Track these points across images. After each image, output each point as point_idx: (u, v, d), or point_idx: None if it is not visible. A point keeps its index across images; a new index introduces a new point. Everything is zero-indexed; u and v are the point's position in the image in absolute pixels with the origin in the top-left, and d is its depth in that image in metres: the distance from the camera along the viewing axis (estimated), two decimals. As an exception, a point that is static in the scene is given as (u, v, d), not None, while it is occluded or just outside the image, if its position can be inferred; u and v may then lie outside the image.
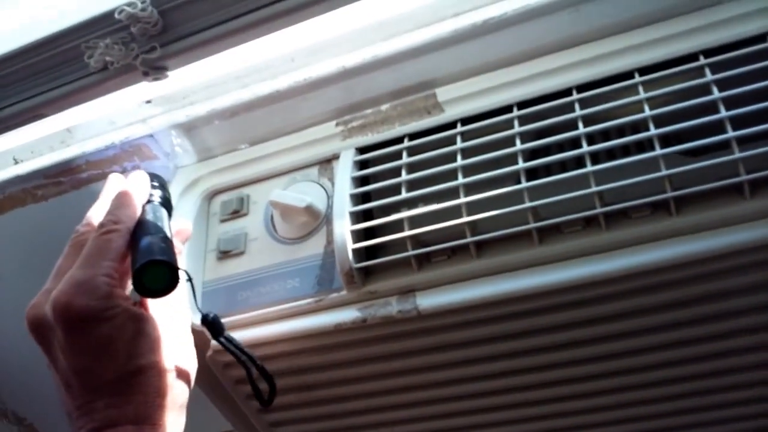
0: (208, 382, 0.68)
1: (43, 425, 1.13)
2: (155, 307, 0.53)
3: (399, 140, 0.65)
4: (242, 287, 0.66)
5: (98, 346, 0.49)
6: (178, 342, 0.54)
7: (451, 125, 0.63)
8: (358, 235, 0.61)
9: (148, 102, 0.71)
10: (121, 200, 0.56)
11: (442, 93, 0.65)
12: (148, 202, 0.58)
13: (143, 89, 0.68)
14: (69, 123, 0.75)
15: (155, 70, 0.56)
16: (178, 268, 0.51)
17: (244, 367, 0.60)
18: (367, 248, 0.61)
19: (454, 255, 0.59)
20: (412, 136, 0.65)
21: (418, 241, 0.59)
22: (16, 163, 0.79)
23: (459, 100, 0.64)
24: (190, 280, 0.55)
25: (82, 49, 0.59)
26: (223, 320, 0.64)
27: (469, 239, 0.57)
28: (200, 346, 0.64)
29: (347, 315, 0.60)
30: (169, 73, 0.58)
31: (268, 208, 0.68)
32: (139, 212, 0.56)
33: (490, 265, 0.57)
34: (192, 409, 0.56)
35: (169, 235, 0.54)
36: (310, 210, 0.64)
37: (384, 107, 0.67)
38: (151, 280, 0.50)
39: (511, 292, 0.55)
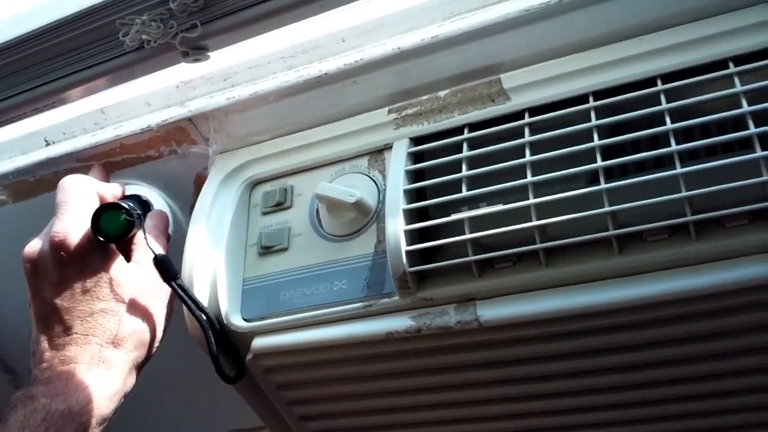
0: (246, 381, 0.64)
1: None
2: (137, 266, 0.61)
3: (458, 131, 0.59)
4: (285, 286, 0.61)
5: (79, 283, 0.58)
6: (147, 305, 0.61)
7: (518, 115, 0.57)
8: (413, 236, 0.55)
9: (187, 83, 0.66)
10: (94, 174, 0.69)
11: (508, 79, 0.59)
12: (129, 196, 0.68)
13: (182, 69, 0.63)
14: (103, 103, 0.71)
15: (195, 50, 0.51)
16: (129, 213, 0.59)
17: (203, 328, 0.59)
18: (422, 250, 0.55)
19: (520, 262, 0.53)
20: (474, 126, 0.58)
21: (479, 244, 0.54)
22: (48, 144, 0.75)
23: (527, 87, 0.58)
24: (139, 218, 0.61)
25: (117, 26, 0.54)
26: (263, 322, 0.60)
27: (539, 245, 0.51)
28: (243, 348, 0.60)
29: (400, 323, 0.55)
30: (210, 53, 0.52)
31: (314, 200, 0.63)
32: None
33: (561, 274, 0.51)
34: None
35: (131, 204, 0.62)
36: (359, 205, 0.59)
37: (442, 93, 0.61)
38: (107, 225, 0.59)
39: (586, 305, 0.49)
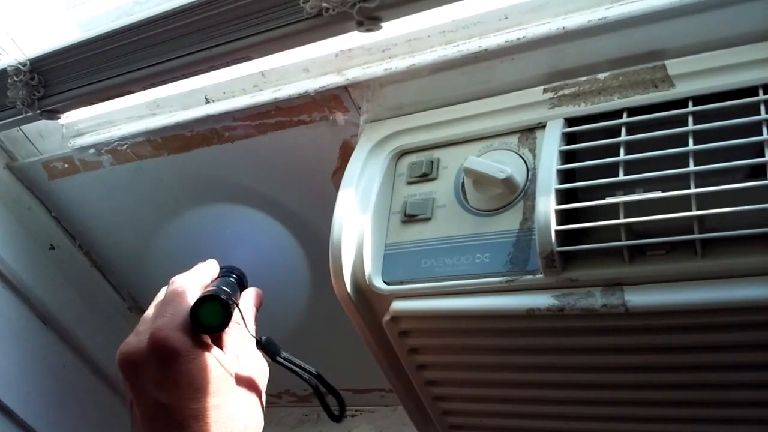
0: (380, 343, 0.66)
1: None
2: (238, 355, 0.58)
3: (617, 114, 0.58)
4: (426, 254, 0.63)
5: (187, 380, 0.54)
6: (254, 393, 0.58)
7: (682, 103, 0.56)
8: (563, 216, 0.56)
9: (346, 52, 0.69)
10: (201, 268, 0.64)
11: (674, 66, 0.58)
12: (224, 276, 0.65)
13: (343, 38, 0.66)
14: (264, 67, 0.74)
15: (370, 20, 0.53)
16: (228, 303, 0.56)
17: (310, 384, 0.62)
18: (569, 231, 0.56)
19: (674, 251, 0.52)
20: (633, 111, 0.58)
21: (631, 230, 0.54)
22: (207, 102, 0.80)
23: (693, 75, 0.57)
24: (237, 306, 0.58)
25: (300, -8, 0.56)
26: (405, 286, 0.62)
27: (697, 236, 0.50)
28: (381, 309, 0.63)
29: (542, 300, 0.56)
30: (383, 24, 0.54)
31: (460, 174, 0.64)
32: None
33: (717, 267, 0.50)
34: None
35: (228, 289, 0.59)
36: (508, 182, 0.60)
37: (602, 76, 0.60)
38: (205, 317, 0.56)
39: (743, 299, 0.48)
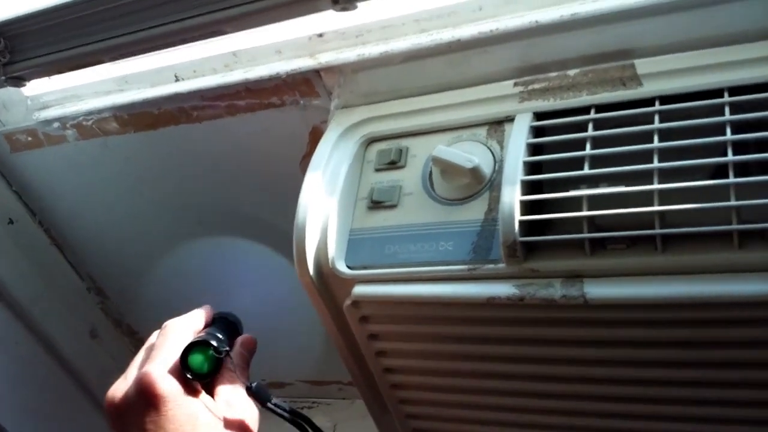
0: (340, 329, 0.66)
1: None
2: (229, 403, 0.58)
3: (585, 110, 0.59)
4: (391, 241, 0.63)
5: (173, 426, 0.53)
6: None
7: (649, 102, 0.57)
8: (527, 207, 0.56)
9: (320, 36, 0.69)
10: (194, 314, 0.64)
11: (642, 65, 0.59)
12: (217, 321, 0.65)
13: (317, 20, 0.66)
14: (236, 47, 0.74)
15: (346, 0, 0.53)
16: (219, 350, 0.57)
17: (299, 429, 0.63)
18: (532, 222, 0.56)
19: (635, 245, 0.53)
20: (601, 108, 0.59)
21: (593, 223, 0.54)
22: (177, 80, 0.79)
23: (661, 75, 0.58)
24: (228, 354, 0.59)
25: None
26: (368, 271, 0.62)
27: (658, 231, 0.51)
28: (342, 294, 0.63)
29: (503, 289, 0.56)
30: (358, 4, 0.54)
31: (428, 163, 0.64)
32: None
33: (677, 262, 0.51)
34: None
35: (220, 336, 0.60)
36: (476, 172, 0.60)
37: (572, 72, 0.61)
38: (195, 363, 0.56)
39: (701, 295, 0.49)
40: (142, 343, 1.18)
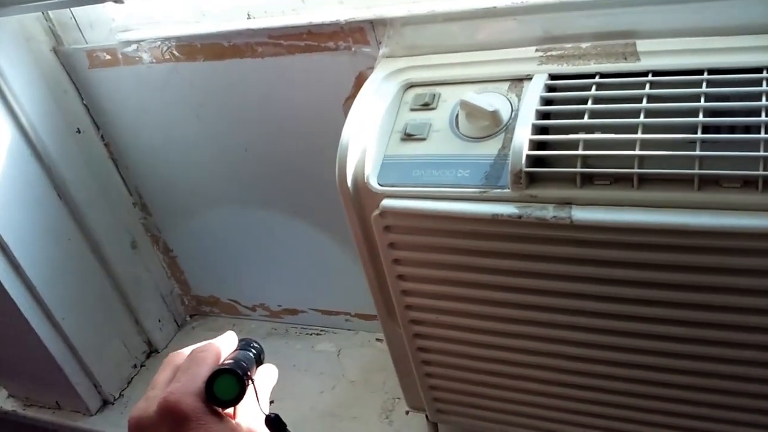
0: (365, 236, 0.79)
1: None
2: (242, 422, 0.59)
3: (591, 76, 0.72)
4: (418, 166, 0.75)
5: None
6: None
7: (643, 74, 0.70)
8: (534, 145, 0.69)
9: (378, -10, 0.81)
10: (220, 340, 0.66)
11: (642, 44, 0.71)
12: (242, 349, 0.67)
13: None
14: (305, -7, 0.86)
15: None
16: (243, 378, 0.58)
17: None
18: (537, 158, 0.69)
19: (616, 183, 0.65)
20: (604, 75, 0.71)
21: (585, 162, 0.67)
22: (249, 18, 0.91)
23: (656, 54, 0.70)
24: (252, 382, 0.61)
25: None
26: (396, 188, 0.74)
27: (635, 170, 0.64)
28: (371, 206, 0.75)
29: (505, 209, 0.68)
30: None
31: (455, 107, 0.77)
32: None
33: (648, 197, 0.63)
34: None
35: (245, 364, 0.62)
36: (495, 115, 0.72)
37: (584, 45, 0.74)
38: (220, 390, 0.57)
39: (663, 223, 0.62)
40: (175, 261, 1.31)
